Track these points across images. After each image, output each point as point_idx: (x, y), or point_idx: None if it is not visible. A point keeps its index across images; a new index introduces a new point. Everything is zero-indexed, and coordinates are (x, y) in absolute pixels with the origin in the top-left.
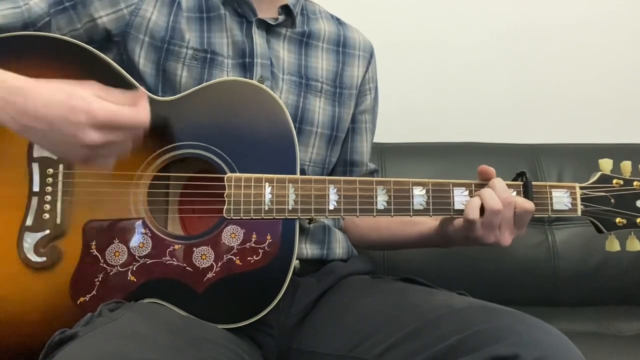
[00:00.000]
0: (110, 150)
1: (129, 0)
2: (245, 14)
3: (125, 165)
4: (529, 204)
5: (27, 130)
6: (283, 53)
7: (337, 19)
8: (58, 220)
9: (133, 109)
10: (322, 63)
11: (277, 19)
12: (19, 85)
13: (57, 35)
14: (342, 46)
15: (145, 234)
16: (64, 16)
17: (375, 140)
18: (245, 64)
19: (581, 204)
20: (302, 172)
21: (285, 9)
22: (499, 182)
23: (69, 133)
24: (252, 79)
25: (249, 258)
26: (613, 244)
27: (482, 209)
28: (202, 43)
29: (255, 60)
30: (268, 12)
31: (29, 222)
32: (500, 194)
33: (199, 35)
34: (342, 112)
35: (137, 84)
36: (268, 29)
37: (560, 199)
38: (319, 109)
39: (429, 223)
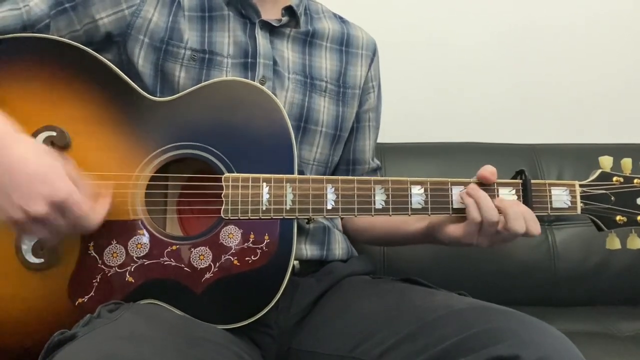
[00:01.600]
0: (49, 229)
1: (130, 1)
2: (248, 15)
3: (123, 165)
4: (517, 231)
5: None
6: (288, 53)
7: (340, 18)
8: (55, 233)
9: (92, 204)
10: (326, 62)
11: (280, 20)
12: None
13: (56, 37)
14: (345, 45)
15: (143, 234)
16: (64, 17)
17: None
18: (247, 64)
19: (581, 202)
20: (305, 172)
21: (289, 10)
22: (485, 199)
23: (23, 195)
24: (254, 79)
25: (247, 258)
26: (613, 242)
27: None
28: (201, 43)
29: (257, 61)
30: (271, 13)
31: None
32: (485, 211)
33: (199, 34)
34: (345, 111)
35: (135, 85)
36: (272, 30)
37: (560, 197)
38: (324, 108)
39: (418, 224)
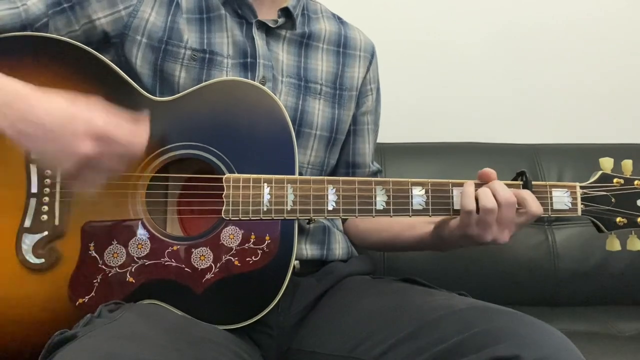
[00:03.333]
0: (101, 166)
1: (127, 2)
2: (245, 16)
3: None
4: (537, 210)
5: (24, 136)
6: (282, 55)
7: (339, 18)
8: (56, 222)
9: (132, 127)
10: (321, 65)
11: (276, 21)
12: (23, 92)
13: (56, 36)
14: (342, 47)
15: (144, 235)
16: (62, 17)
17: None
18: (247, 64)
19: (581, 204)
20: (300, 175)
21: (285, 12)
22: (498, 183)
23: (65, 141)
24: (254, 79)
25: (247, 259)
26: (614, 244)
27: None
28: (201, 43)
29: (257, 61)
30: (268, 14)
31: (27, 223)
32: (500, 194)
33: (199, 35)
34: (341, 114)
35: (136, 85)
36: (267, 31)
37: (561, 198)
38: (318, 111)
39: (425, 227)
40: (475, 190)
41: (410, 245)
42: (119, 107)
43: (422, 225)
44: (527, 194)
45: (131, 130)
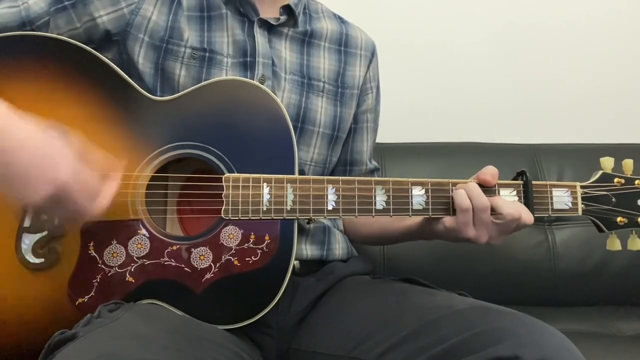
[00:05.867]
0: (57, 214)
1: (129, 0)
2: (247, 14)
3: (123, 165)
4: (511, 212)
5: None
6: (285, 52)
7: (340, 18)
8: (56, 221)
9: (95, 189)
10: (324, 62)
11: (278, 18)
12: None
13: (56, 36)
14: (344, 45)
15: (144, 234)
16: (63, 15)
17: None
18: (246, 63)
19: (582, 203)
20: (303, 172)
21: (287, 9)
22: (474, 187)
23: (20, 187)
24: (254, 78)
25: (247, 259)
26: (614, 243)
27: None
28: (201, 42)
29: (257, 60)
30: (270, 11)
31: (26, 223)
32: (473, 197)
33: (199, 34)
34: (343, 112)
35: (135, 84)
36: (270, 28)
37: (561, 198)
38: (321, 108)
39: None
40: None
41: (400, 235)
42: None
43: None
44: (499, 201)
45: (91, 194)
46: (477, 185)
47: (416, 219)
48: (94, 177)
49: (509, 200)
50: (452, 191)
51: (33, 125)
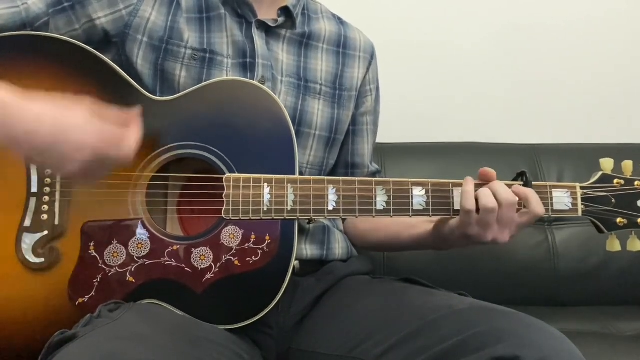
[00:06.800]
0: (94, 174)
1: (127, 1)
2: (244, 15)
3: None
4: (539, 210)
5: (15, 145)
6: (282, 55)
7: (339, 19)
8: (56, 221)
9: (119, 142)
10: (321, 65)
11: (276, 20)
12: (9, 101)
13: (56, 36)
14: (342, 47)
15: (144, 234)
16: (62, 16)
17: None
18: (246, 64)
19: (582, 204)
20: (300, 175)
21: (285, 11)
22: (498, 184)
23: (53, 162)
24: (254, 79)
25: (247, 259)
26: (614, 244)
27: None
28: (201, 43)
29: (257, 61)
30: (268, 13)
31: (27, 223)
32: (500, 194)
33: (199, 35)
34: (341, 114)
35: (136, 84)
36: (267, 30)
37: (561, 199)
38: (318, 111)
39: (425, 226)
40: (475, 190)
41: (409, 245)
42: (112, 105)
43: (422, 225)
44: (530, 193)
45: (119, 144)
46: (500, 182)
47: (427, 228)
48: (115, 130)
49: (535, 194)
50: (452, 191)
51: (40, 102)
